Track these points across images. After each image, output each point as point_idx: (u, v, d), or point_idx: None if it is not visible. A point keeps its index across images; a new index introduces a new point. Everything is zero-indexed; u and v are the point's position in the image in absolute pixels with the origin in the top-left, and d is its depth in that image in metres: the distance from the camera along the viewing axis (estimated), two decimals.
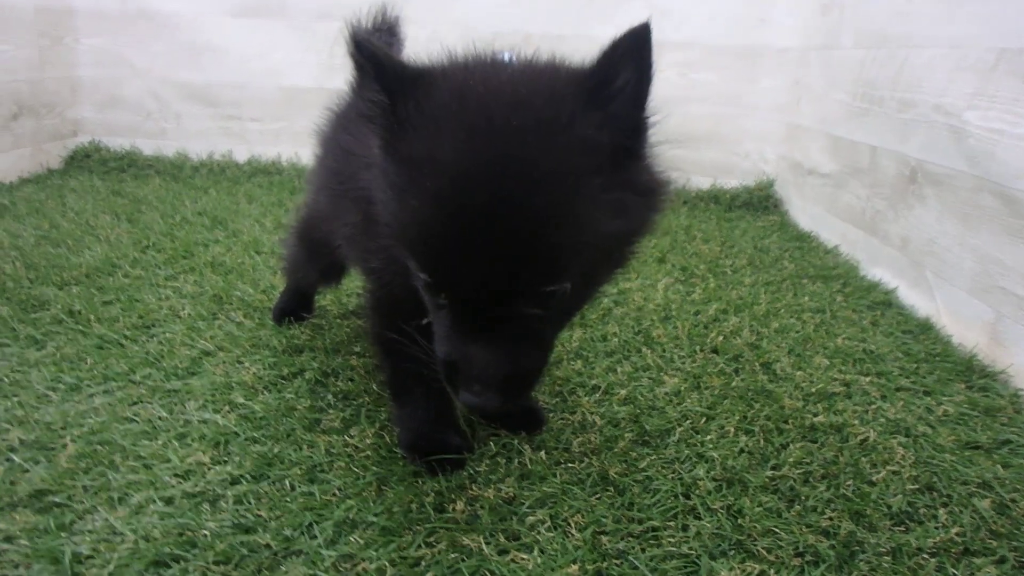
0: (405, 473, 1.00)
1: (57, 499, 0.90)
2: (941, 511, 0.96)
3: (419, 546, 0.86)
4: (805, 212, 2.38)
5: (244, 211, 2.21)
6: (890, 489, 1.00)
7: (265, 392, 1.19)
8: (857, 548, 0.89)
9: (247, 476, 0.97)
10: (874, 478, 1.02)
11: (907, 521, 0.95)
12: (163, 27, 2.69)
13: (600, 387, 1.24)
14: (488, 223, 0.64)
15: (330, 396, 1.18)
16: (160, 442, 1.03)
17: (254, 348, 1.33)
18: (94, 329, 1.35)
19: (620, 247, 0.78)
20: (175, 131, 2.84)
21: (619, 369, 1.30)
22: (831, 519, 0.94)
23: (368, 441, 1.06)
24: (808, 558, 0.87)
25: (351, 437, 1.07)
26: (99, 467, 0.97)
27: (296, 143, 2.69)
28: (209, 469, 0.98)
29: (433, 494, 0.95)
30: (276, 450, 1.03)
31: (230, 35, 2.67)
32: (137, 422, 1.08)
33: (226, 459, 1.01)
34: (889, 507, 0.96)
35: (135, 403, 1.13)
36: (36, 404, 1.11)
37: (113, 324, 1.38)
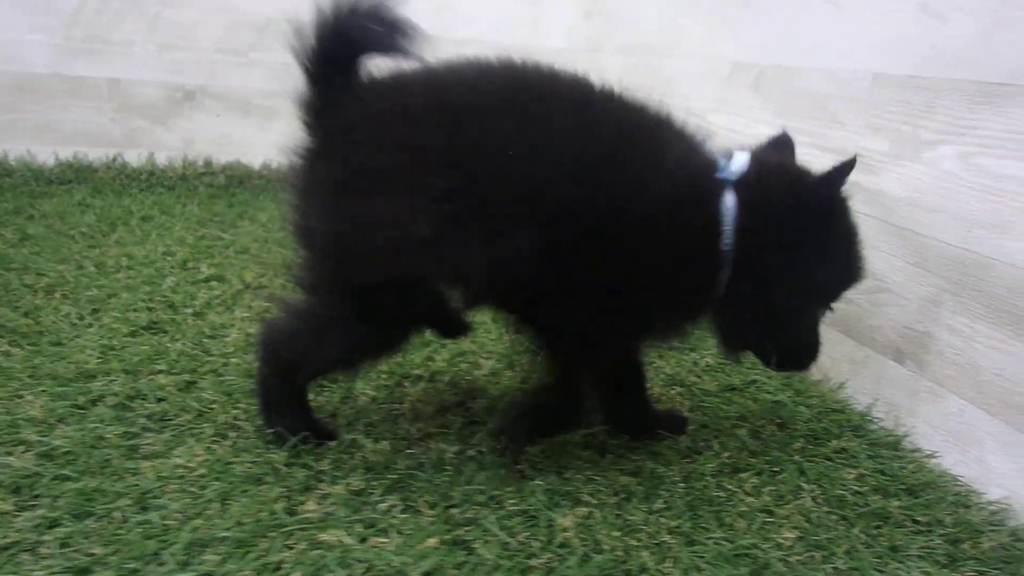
0: (248, 484, 0.99)
1: None
2: (714, 442, 1.19)
3: (279, 550, 0.87)
4: None
5: None
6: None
7: (62, 425, 1.08)
8: (658, 481, 1.07)
9: (66, 517, 0.89)
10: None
11: (693, 454, 1.16)
12: None
13: (424, 376, 1.31)
14: None
15: (143, 419, 1.11)
16: None
17: (34, 379, 1.19)
18: None
19: None
20: None
21: (438, 357, 1.38)
22: (636, 461, 1.11)
23: (200, 459, 1.03)
24: (623, 496, 1.03)
25: (179, 458, 1.03)
26: None
27: (30, 139, 2.34)
28: (15, 517, 0.89)
29: (282, 499, 0.96)
30: (94, 484, 0.95)
31: None
32: None
33: (35, 503, 0.92)
34: (678, 444, 1.17)
35: None
36: None
37: None
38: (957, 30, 1.22)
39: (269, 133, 2.37)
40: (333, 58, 0.92)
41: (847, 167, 0.99)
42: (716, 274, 1.00)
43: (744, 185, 0.99)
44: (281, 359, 1.05)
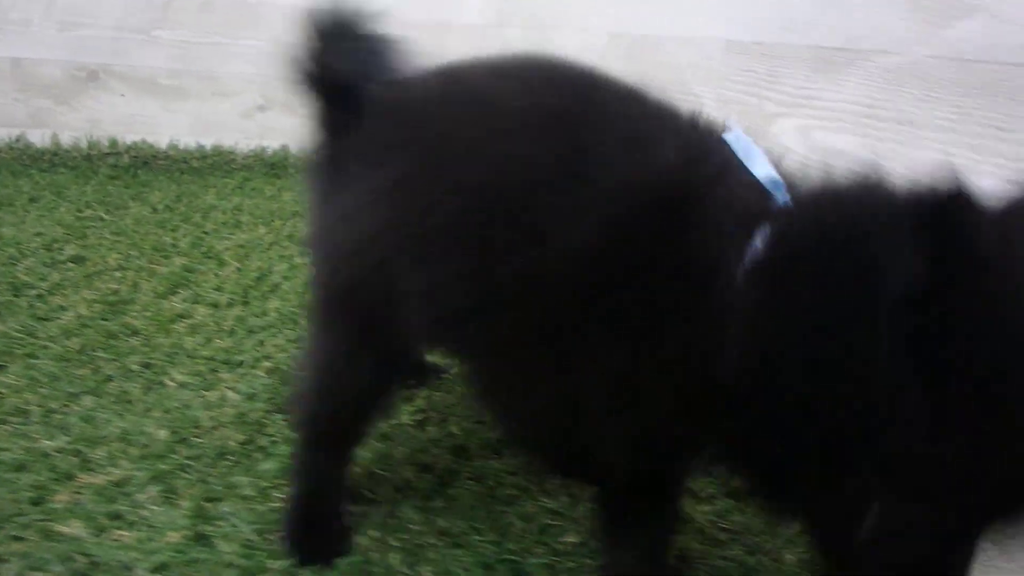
0: (8, 472, 0.95)
1: None
2: None
3: (5, 542, 0.84)
4: None
5: None
6: (487, 426, 1.16)
7: None
8: (450, 477, 1.03)
9: None
10: (481, 418, 1.18)
11: (502, 451, 1.11)
12: None
13: (245, 362, 1.27)
14: None
15: None
16: None
17: None
18: None
19: None
20: None
21: (269, 342, 1.34)
22: (434, 456, 1.07)
23: None
24: (404, 492, 0.99)
25: None
26: None
27: None
28: None
29: (35, 488, 0.93)
30: None
31: None
32: None
33: None
34: (488, 440, 1.13)
35: None
36: None
37: None
38: None
39: (176, 114, 2.32)
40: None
41: (961, 200, 0.50)
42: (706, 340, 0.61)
43: (786, 214, 0.62)
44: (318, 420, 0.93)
